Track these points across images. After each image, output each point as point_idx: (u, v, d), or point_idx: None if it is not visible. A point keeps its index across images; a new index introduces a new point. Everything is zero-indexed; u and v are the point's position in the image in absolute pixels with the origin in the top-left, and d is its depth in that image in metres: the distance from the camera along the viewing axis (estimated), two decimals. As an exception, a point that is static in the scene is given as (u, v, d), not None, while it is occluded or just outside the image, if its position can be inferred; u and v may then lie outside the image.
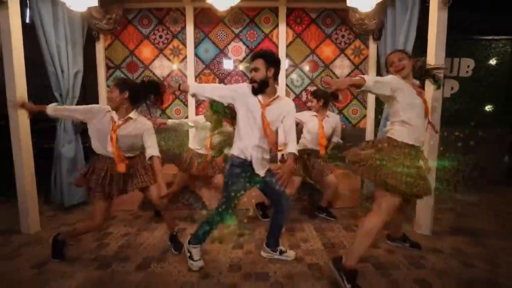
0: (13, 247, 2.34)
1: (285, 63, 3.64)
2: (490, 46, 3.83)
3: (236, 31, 3.64)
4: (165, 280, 1.89)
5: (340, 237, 2.55)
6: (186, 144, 3.09)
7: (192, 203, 3.26)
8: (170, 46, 3.66)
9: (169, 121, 2.96)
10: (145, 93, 2.10)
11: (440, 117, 2.48)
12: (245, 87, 1.97)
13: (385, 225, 1.80)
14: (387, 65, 1.95)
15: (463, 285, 1.84)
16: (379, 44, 3.46)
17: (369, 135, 3.66)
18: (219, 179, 2.85)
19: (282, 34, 3.58)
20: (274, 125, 2.00)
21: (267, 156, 2.06)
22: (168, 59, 3.68)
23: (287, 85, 3.68)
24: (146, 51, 3.66)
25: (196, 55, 3.65)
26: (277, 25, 3.60)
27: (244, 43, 3.66)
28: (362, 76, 1.65)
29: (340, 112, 3.74)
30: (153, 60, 3.67)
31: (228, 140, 2.28)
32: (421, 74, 2.02)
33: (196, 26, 3.60)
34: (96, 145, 2.04)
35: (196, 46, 3.63)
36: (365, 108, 3.72)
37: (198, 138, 2.89)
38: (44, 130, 3.29)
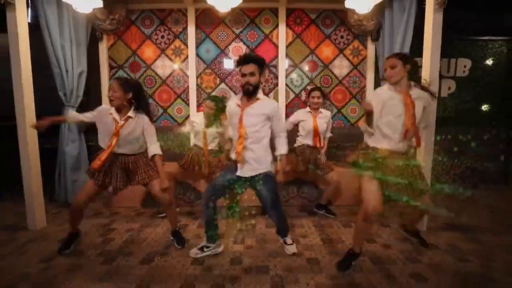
0: (21, 242, 2.41)
1: (285, 63, 3.70)
2: (486, 47, 3.89)
3: (237, 31, 3.70)
4: (169, 274, 1.96)
5: (338, 234, 2.61)
6: (187, 144, 3.15)
7: (193, 200, 3.33)
8: (172, 46, 3.72)
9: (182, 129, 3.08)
10: (146, 96, 2.21)
11: (435, 117, 2.54)
12: (229, 103, 2.17)
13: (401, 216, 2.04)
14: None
15: (458, 279, 1.90)
16: (377, 45, 3.52)
17: (368, 134, 3.72)
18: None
19: (282, 35, 3.64)
20: (255, 126, 2.02)
21: (256, 157, 2.04)
22: (170, 59, 3.74)
23: (286, 84, 3.74)
24: (148, 51, 3.72)
25: (197, 55, 3.71)
26: (277, 26, 3.66)
27: (244, 43, 3.72)
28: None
29: (339, 111, 3.80)
30: (155, 60, 3.73)
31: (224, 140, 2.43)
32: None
33: (197, 26, 3.66)
34: (104, 141, 2.16)
35: (197, 46, 3.70)
36: (364, 107, 3.78)
37: (200, 137, 2.94)
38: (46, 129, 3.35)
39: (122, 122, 2.10)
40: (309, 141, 2.96)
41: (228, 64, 3.74)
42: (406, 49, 3.10)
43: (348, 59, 3.74)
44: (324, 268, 2.02)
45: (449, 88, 3.97)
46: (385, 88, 2.01)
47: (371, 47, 3.64)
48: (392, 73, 1.92)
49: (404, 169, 1.91)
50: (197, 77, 3.73)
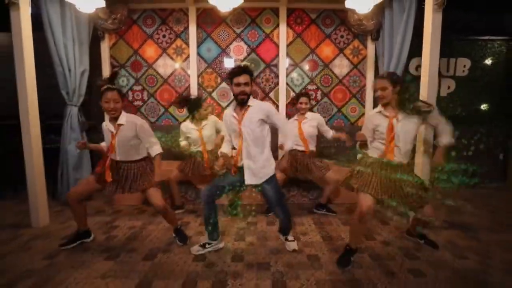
0: (25, 240, 2.44)
1: (285, 62, 3.73)
2: (486, 46, 3.91)
3: (238, 31, 3.73)
4: (171, 270, 1.99)
5: (338, 231, 2.64)
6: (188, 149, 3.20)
7: (195, 198, 3.35)
8: (173, 46, 3.74)
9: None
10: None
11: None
12: (225, 113, 2.22)
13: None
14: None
15: (456, 275, 1.93)
16: (377, 44, 3.55)
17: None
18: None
19: (283, 34, 3.66)
20: (254, 131, 2.08)
21: (258, 166, 2.10)
22: (171, 58, 3.76)
23: (287, 84, 3.77)
24: (150, 51, 3.75)
25: (198, 54, 3.73)
26: (277, 25, 3.68)
27: (245, 42, 3.74)
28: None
29: (339, 110, 3.83)
30: (157, 59, 3.76)
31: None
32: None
33: (198, 26, 3.69)
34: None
35: (198, 45, 3.72)
36: (364, 106, 3.81)
37: (192, 140, 3.05)
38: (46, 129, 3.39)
39: (115, 131, 2.15)
40: (300, 147, 2.99)
41: (229, 63, 3.76)
42: (406, 49, 3.13)
43: (348, 58, 3.77)
44: (324, 265, 2.05)
45: (449, 88, 4.00)
46: (375, 112, 2.13)
47: (371, 46, 3.67)
48: (384, 94, 2.00)
49: (399, 180, 1.98)
50: (198, 76, 3.76)
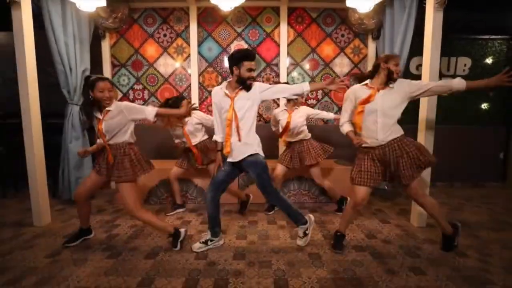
0: (27, 238, 2.45)
1: (286, 61, 3.73)
2: (486, 45, 3.92)
3: (239, 30, 3.73)
4: (173, 268, 2.00)
5: (339, 229, 2.65)
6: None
7: (196, 197, 3.36)
8: (174, 45, 3.75)
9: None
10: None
11: (435, 114, 2.57)
12: (215, 90, 2.21)
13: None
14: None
15: (456, 272, 1.94)
16: (377, 43, 3.55)
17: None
18: (210, 168, 2.97)
19: (284, 33, 3.66)
20: (243, 108, 2.09)
21: (242, 142, 2.12)
22: (172, 57, 3.77)
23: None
24: (150, 50, 3.75)
25: (199, 53, 3.74)
26: (278, 24, 3.69)
27: (246, 41, 3.75)
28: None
29: (339, 109, 3.83)
30: (158, 58, 3.76)
31: None
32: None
33: (199, 25, 3.69)
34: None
35: (199, 44, 3.73)
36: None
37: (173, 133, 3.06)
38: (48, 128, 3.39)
39: (102, 116, 2.09)
40: (289, 138, 3.00)
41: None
42: (407, 48, 3.13)
43: (349, 57, 3.77)
44: (325, 263, 2.06)
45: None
46: (360, 85, 2.23)
47: (371, 45, 3.68)
48: (398, 70, 2.09)
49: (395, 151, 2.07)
50: (199, 75, 3.76)
